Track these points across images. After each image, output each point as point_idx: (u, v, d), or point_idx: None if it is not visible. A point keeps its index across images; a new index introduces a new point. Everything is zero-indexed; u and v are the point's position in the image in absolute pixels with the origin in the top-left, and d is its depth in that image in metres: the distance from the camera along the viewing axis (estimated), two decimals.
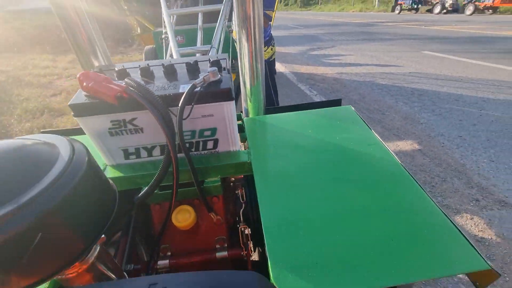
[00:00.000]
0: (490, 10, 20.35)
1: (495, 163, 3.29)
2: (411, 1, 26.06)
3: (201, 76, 0.84)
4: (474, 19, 17.41)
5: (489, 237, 2.33)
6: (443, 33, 12.76)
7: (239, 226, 1.07)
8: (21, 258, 0.41)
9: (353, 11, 35.97)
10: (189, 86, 0.81)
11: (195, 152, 1.00)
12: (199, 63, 0.97)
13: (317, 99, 5.66)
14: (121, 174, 0.95)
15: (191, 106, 0.82)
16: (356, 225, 0.73)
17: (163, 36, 2.72)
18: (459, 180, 3.04)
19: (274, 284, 0.62)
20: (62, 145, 0.54)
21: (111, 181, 0.64)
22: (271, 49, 3.31)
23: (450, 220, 0.73)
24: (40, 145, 0.53)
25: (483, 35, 11.25)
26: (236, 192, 1.21)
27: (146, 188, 0.86)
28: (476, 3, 20.37)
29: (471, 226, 2.46)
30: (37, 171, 0.46)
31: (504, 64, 7.16)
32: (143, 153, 0.97)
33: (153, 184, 0.85)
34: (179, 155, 0.88)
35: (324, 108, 1.26)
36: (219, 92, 0.84)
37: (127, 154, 0.97)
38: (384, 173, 0.87)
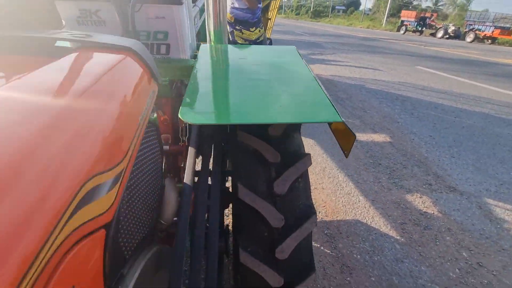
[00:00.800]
0: (489, 40, 20.99)
1: (455, 159, 3.52)
2: (416, 23, 26.76)
3: None
4: (473, 46, 17.94)
5: (432, 212, 2.54)
6: (439, 54, 13.19)
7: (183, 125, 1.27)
8: None
9: (361, 27, 36.73)
10: None
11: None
12: None
13: None
14: None
15: (141, 3, 1.02)
16: (258, 95, 0.94)
17: None
18: (418, 168, 3.27)
19: (181, 118, 0.81)
20: None
21: None
22: (259, 30, 3.54)
23: (326, 96, 0.94)
24: None
25: (476, 59, 11.69)
26: None
27: None
28: (477, 32, 21.02)
29: (418, 203, 2.67)
30: None
31: (487, 84, 7.50)
32: None
33: None
34: None
35: (273, 46, 1.48)
36: None
37: None
38: (293, 72, 1.08)
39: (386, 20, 37.78)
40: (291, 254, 1.02)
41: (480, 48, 17.00)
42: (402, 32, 28.00)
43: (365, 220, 2.42)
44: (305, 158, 1.07)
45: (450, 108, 5.41)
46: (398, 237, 2.25)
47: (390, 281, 1.88)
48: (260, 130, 1.10)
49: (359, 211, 2.51)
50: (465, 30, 22.79)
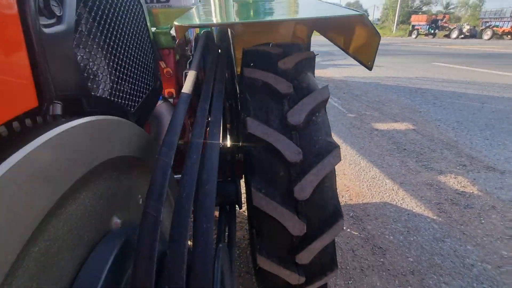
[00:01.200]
0: (509, 36, 20.17)
1: (489, 140, 3.22)
2: (428, 26, 26.38)
3: None
4: (491, 43, 17.27)
5: (471, 192, 2.27)
6: (455, 50, 12.76)
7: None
8: None
9: None
10: None
11: (150, 4, 1.15)
12: None
13: None
14: None
15: None
16: (264, 7, 0.85)
17: None
18: (449, 151, 3.00)
19: (176, 23, 0.73)
20: None
21: None
22: None
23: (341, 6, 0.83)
24: None
25: (493, 52, 11.17)
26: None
27: None
28: (494, 28, 20.32)
29: (454, 183, 2.40)
30: None
31: (511, 72, 7.06)
32: None
33: None
34: None
35: None
36: None
37: None
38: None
39: (396, 27, 37.59)
40: (313, 196, 0.87)
41: (497, 43, 16.32)
42: (414, 36, 27.62)
43: (394, 202, 2.19)
44: (322, 88, 0.95)
45: (475, 97, 5.08)
46: (434, 217, 2.00)
47: (431, 261, 1.64)
48: (269, 65, 1.00)
49: (387, 194, 2.29)
50: (481, 28, 22.10)
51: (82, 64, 0.39)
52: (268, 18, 0.93)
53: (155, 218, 0.36)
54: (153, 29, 1.12)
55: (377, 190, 2.34)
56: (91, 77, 0.43)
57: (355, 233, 1.87)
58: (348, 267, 1.60)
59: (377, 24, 53.13)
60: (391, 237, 1.83)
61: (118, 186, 0.42)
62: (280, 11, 1.08)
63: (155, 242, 0.34)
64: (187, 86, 0.73)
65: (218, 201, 1.10)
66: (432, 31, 26.20)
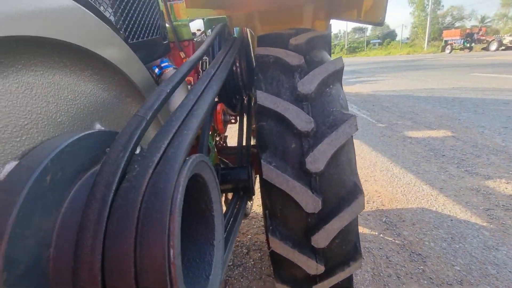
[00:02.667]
0: None
1: None
2: (463, 40, 25.16)
3: None
4: None
5: None
6: (495, 61, 11.88)
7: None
8: None
9: (400, 54, 35.85)
10: None
11: (172, 2, 1.24)
12: None
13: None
14: None
15: None
16: None
17: None
18: (496, 156, 2.67)
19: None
20: None
21: None
22: None
23: None
24: None
25: None
26: None
27: None
28: None
29: (505, 188, 2.11)
30: None
31: None
32: None
33: None
34: None
35: None
36: None
37: None
38: None
39: (427, 44, 36.42)
40: (328, 170, 0.80)
41: None
42: (448, 51, 26.39)
43: (434, 208, 1.96)
44: (335, 59, 0.92)
45: None
46: (484, 224, 1.74)
47: (483, 271, 1.40)
48: (281, 44, 1.00)
49: (425, 200, 2.07)
50: None
51: None
52: None
53: (141, 117, 0.35)
54: (174, 22, 1.20)
55: (413, 196, 2.12)
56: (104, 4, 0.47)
57: (389, 239, 1.68)
58: (381, 274, 1.42)
59: (406, 42, 52.05)
60: (432, 243, 1.61)
61: (105, 97, 0.43)
62: None
63: (131, 140, 0.33)
64: (196, 53, 0.74)
65: (229, 187, 1.07)
66: (468, 45, 24.87)
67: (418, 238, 1.67)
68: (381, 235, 1.72)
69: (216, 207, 0.44)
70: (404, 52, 37.44)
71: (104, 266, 0.24)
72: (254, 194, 1.08)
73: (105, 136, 0.36)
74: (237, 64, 1.27)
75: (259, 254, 1.63)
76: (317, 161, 0.79)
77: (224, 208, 1.04)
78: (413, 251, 1.57)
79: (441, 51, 28.29)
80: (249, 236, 1.80)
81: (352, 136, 0.85)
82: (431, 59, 18.17)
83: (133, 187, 0.28)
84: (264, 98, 0.85)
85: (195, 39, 1.27)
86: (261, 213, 2.00)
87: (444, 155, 2.82)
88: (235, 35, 1.67)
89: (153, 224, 0.25)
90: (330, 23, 1.53)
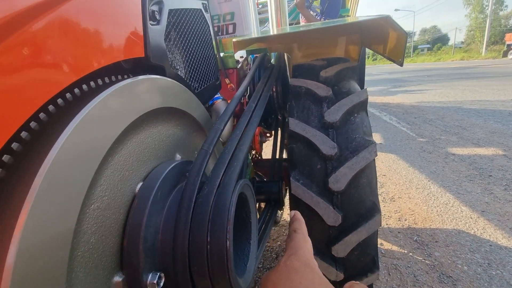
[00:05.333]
0: None
1: None
2: None
3: None
4: None
5: None
6: None
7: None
8: None
9: (452, 60, 33.02)
10: None
11: (220, 36, 1.47)
12: None
13: (387, 119, 5.49)
14: None
15: None
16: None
17: None
18: None
19: (233, 40, 0.96)
20: None
21: None
22: None
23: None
24: None
25: None
26: None
27: None
28: None
29: None
30: None
31: None
32: None
33: None
34: None
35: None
36: None
37: None
38: None
39: (485, 49, 33.00)
40: (349, 189, 0.93)
41: None
42: (511, 56, 23.68)
43: (472, 231, 1.90)
44: (360, 91, 1.04)
45: None
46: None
47: None
48: (313, 75, 1.15)
49: (462, 222, 2.01)
50: None
51: (167, 49, 0.64)
52: (304, 29, 1.10)
53: (206, 151, 0.54)
54: (222, 54, 1.42)
55: (449, 217, 2.07)
56: (172, 59, 0.68)
57: (419, 258, 1.69)
58: None
59: (460, 47, 47.77)
60: (466, 267, 1.59)
61: (180, 134, 0.63)
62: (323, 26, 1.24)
63: (202, 167, 0.51)
64: (240, 89, 0.93)
65: (262, 198, 1.23)
66: None
67: (450, 260, 1.65)
68: (411, 254, 1.73)
69: (252, 216, 0.60)
70: (457, 57, 34.38)
71: (189, 249, 0.43)
72: (283, 205, 1.23)
73: (185, 164, 0.56)
74: (274, 89, 1.44)
75: None
76: (339, 181, 0.92)
77: (258, 215, 1.20)
78: (443, 272, 1.56)
79: (502, 57, 25.46)
80: (279, 243, 1.94)
81: (373, 160, 0.97)
82: (489, 66, 16.49)
83: (205, 202, 0.46)
84: (295, 125, 1.01)
85: (238, 66, 1.48)
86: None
87: (491, 176, 2.65)
88: (273, 58, 1.86)
89: (218, 225, 0.43)
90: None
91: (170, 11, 0.67)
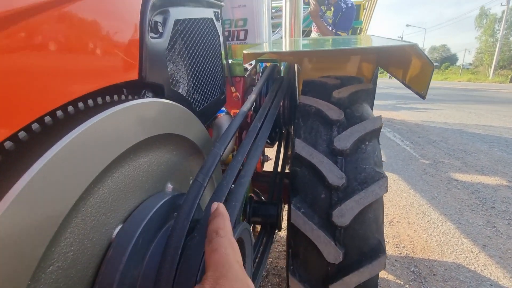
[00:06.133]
0: None
1: None
2: None
3: None
4: None
5: None
6: None
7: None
8: None
9: (459, 81, 32.98)
10: None
11: (231, 42, 1.39)
12: None
13: (390, 135, 5.42)
14: None
15: None
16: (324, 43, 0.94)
17: None
18: None
19: (244, 52, 0.89)
20: None
21: None
22: None
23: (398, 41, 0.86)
24: None
25: None
26: None
27: None
28: None
29: None
30: None
31: None
32: None
33: None
34: None
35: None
36: None
37: None
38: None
39: (493, 73, 32.97)
40: (354, 224, 0.85)
41: None
42: None
43: (473, 267, 1.82)
44: (374, 118, 0.96)
45: None
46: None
47: None
48: (324, 94, 1.07)
49: (463, 255, 1.93)
50: None
51: (169, 65, 0.56)
52: (320, 48, 1.04)
53: (200, 184, 0.46)
54: (230, 60, 1.34)
55: (449, 249, 1.99)
56: (173, 75, 0.60)
57: None
58: None
59: (468, 68, 47.81)
60: None
61: (174, 160, 0.55)
62: (341, 45, 1.17)
63: (195, 202, 0.43)
64: (246, 105, 0.85)
65: (259, 220, 1.15)
66: None
67: None
68: (407, 286, 1.65)
69: (247, 260, 0.53)
70: (464, 78, 34.39)
71: None
72: (280, 231, 1.15)
73: (175, 199, 0.48)
74: (282, 103, 1.36)
75: (277, 280, 1.68)
76: (343, 215, 0.84)
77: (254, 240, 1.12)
78: None
79: (510, 82, 25.43)
80: (270, 259, 1.86)
81: (382, 196, 0.89)
82: (496, 90, 16.46)
83: (194, 254, 0.38)
84: (301, 148, 0.93)
85: (246, 75, 1.40)
86: (284, 237, 2.05)
87: (494, 207, 2.58)
88: (282, 67, 1.78)
89: None
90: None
91: (177, 21, 0.59)
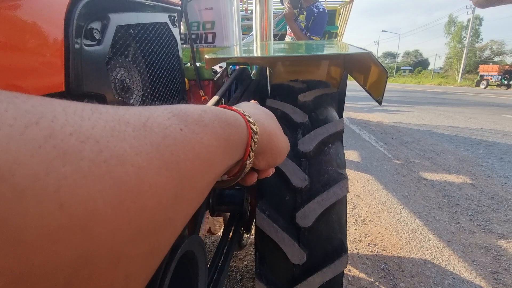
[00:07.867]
0: None
1: None
2: (500, 77, 24.06)
3: None
4: None
5: None
6: None
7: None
8: None
9: (431, 84, 34.84)
10: None
11: (199, 44, 1.38)
12: None
13: (366, 137, 5.60)
14: None
15: None
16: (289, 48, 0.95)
17: None
18: None
19: (206, 57, 0.88)
20: None
21: None
22: None
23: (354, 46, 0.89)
24: None
25: None
26: None
27: None
28: None
29: None
30: None
31: None
32: None
33: None
34: (185, 45, 1.27)
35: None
36: None
37: None
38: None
39: (461, 77, 35.15)
40: (317, 226, 0.86)
41: None
42: (483, 86, 25.33)
43: (438, 261, 1.91)
44: (336, 121, 0.99)
45: None
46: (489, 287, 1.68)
47: None
48: (291, 97, 1.09)
49: (429, 251, 2.02)
50: None
51: (111, 73, 0.54)
52: (285, 54, 1.06)
53: None
54: (199, 63, 1.33)
55: (417, 245, 2.08)
56: (118, 83, 0.58)
57: None
58: None
59: (439, 72, 50.60)
60: None
61: None
62: (300, 51, 1.19)
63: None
64: (208, 105, 0.85)
65: (224, 208, 1.09)
66: (506, 82, 23.75)
67: None
68: (377, 283, 1.70)
69: (201, 272, 0.52)
70: (435, 82, 36.35)
71: None
72: (250, 232, 1.14)
73: None
74: None
75: (252, 283, 1.68)
76: (306, 217, 0.85)
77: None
78: None
79: (475, 86, 27.20)
80: (245, 263, 1.85)
81: (345, 196, 0.91)
82: (464, 93, 17.51)
83: None
84: None
85: (215, 78, 1.39)
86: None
87: (458, 204, 2.73)
88: (254, 71, 1.79)
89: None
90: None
91: (120, 27, 0.57)
